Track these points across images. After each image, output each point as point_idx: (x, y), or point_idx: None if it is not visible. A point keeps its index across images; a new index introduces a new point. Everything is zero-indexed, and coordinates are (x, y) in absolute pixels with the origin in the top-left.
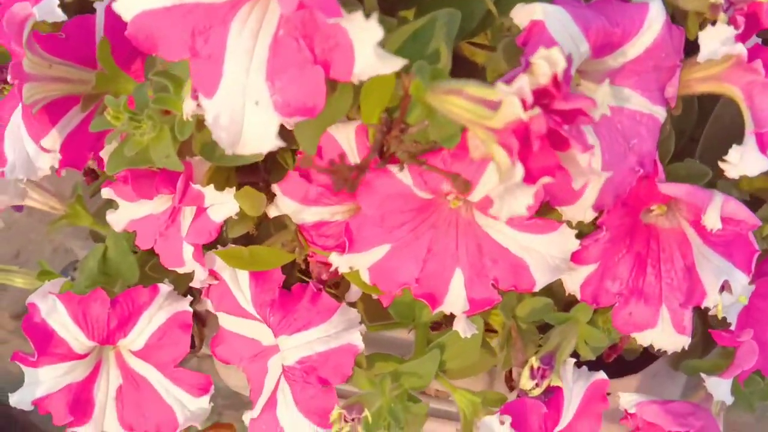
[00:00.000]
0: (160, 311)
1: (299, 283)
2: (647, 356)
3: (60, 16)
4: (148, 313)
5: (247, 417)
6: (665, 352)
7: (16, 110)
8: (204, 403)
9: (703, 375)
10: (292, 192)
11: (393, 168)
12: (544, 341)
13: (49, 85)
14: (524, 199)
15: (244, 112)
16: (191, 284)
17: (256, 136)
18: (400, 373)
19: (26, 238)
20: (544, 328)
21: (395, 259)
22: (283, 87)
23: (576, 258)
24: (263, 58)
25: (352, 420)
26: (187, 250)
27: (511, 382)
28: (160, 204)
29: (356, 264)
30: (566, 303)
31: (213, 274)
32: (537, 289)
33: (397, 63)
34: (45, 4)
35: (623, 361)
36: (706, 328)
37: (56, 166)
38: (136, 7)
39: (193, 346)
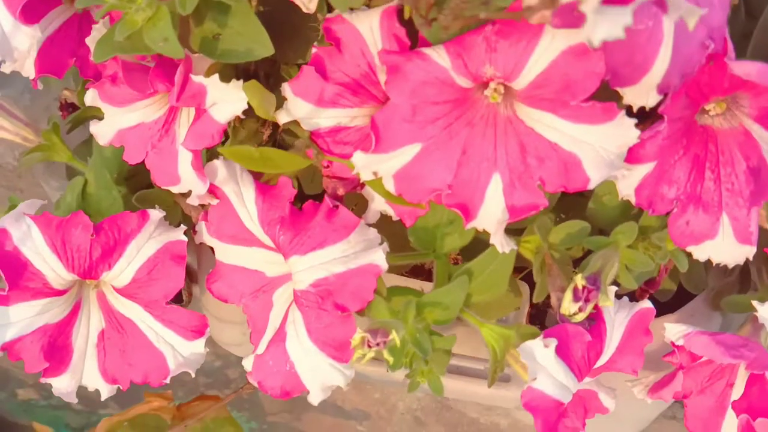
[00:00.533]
0: (150, 241)
1: (311, 201)
2: (680, 297)
3: None
4: (136, 242)
5: (248, 361)
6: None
7: None
8: (199, 346)
9: (755, 303)
10: (305, 92)
11: (428, 50)
12: (581, 269)
13: None
14: (622, 17)
15: None
16: (188, 202)
17: None
18: (424, 304)
19: None
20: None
21: (426, 162)
22: None
23: (631, 157)
24: None
25: (377, 345)
26: (184, 163)
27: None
28: (152, 111)
29: (381, 168)
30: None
31: (213, 191)
32: (591, 186)
33: None
34: None
35: (656, 302)
36: (745, 265)
37: (34, 51)
38: None
39: (180, 300)
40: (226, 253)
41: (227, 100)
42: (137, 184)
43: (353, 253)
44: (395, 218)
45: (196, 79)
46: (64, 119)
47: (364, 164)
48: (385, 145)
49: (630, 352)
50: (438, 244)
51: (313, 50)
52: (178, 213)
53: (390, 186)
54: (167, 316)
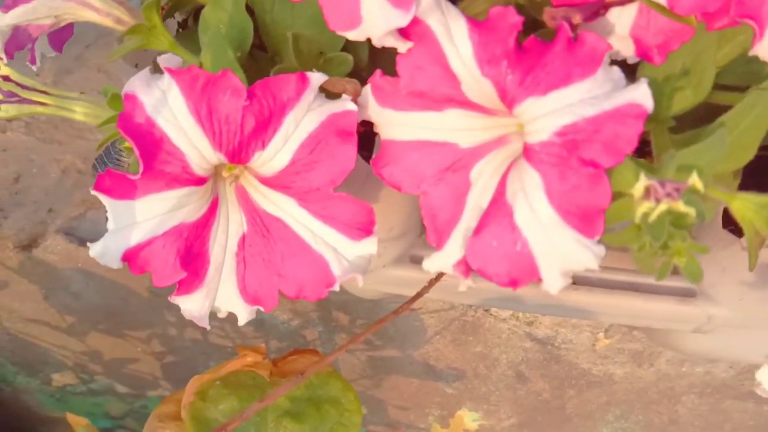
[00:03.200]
0: (310, 113)
1: (533, 37)
2: None
3: None
4: (294, 114)
5: (433, 261)
6: None
7: None
8: (369, 247)
9: None
10: None
11: None
12: None
13: None
14: None
15: None
16: (377, 42)
17: None
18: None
19: (26, 159)
20: None
21: None
22: None
23: None
24: None
25: (667, 195)
26: None
27: None
28: None
29: None
30: None
31: (407, 30)
32: None
33: None
34: None
35: None
36: None
37: None
38: None
39: None
40: (404, 125)
41: None
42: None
43: (603, 93)
44: (633, 60)
45: None
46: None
47: None
48: None
49: None
50: (665, 102)
51: None
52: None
53: None
54: (328, 210)
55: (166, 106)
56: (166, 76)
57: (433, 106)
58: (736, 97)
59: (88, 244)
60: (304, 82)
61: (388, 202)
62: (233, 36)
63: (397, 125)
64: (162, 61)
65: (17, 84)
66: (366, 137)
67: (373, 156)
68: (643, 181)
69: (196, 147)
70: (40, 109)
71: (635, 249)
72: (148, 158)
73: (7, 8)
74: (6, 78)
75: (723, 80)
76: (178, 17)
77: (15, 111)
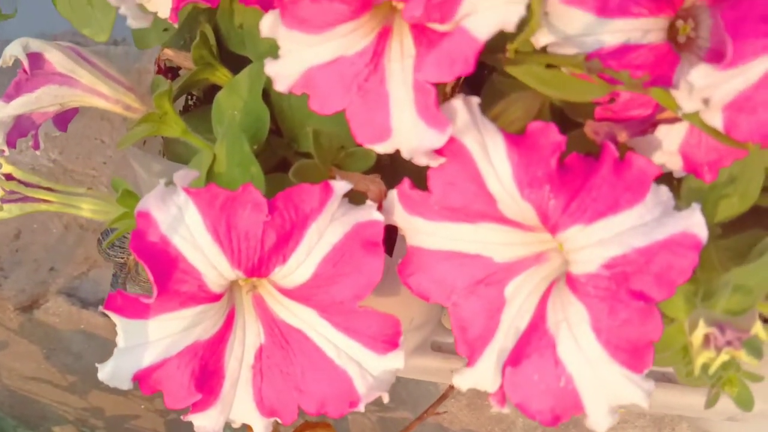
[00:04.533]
0: (334, 223)
1: (576, 154)
2: None
3: None
4: (317, 225)
5: (464, 378)
6: None
7: None
8: (396, 361)
9: None
10: None
11: None
12: None
13: None
14: None
15: None
16: (415, 160)
17: None
18: (717, 287)
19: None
20: None
21: None
22: None
23: None
24: None
25: (727, 344)
26: (400, 108)
27: None
28: (354, 39)
29: (718, 92)
30: None
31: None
32: None
33: None
34: None
35: None
36: None
37: None
38: None
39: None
40: (434, 234)
41: (494, 5)
42: (263, 165)
43: (653, 219)
44: (680, 174)
45: None
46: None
47: (704, 83)
48: (738, 57)
49: None
50: (709, 210)
51: None
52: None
53: (716, 120)
54: (352, 323)
55: (183, 223)
56: (183, 193)
57: (466, 218)
58: None
59: (98, 365)
60: (327, 192)
61: (409, 293)
62: (248, 124)
63: (426, 234)
64: (178, 179)
65: (20, 182)
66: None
67: (397, 259)
68: (702, 329)
69: (213, 265)
70: (43, 206)
71: (682, 372)
72: (162, 279)
73: (9, 97)
74: (9, 176)
75: None
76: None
77: (18, 210)
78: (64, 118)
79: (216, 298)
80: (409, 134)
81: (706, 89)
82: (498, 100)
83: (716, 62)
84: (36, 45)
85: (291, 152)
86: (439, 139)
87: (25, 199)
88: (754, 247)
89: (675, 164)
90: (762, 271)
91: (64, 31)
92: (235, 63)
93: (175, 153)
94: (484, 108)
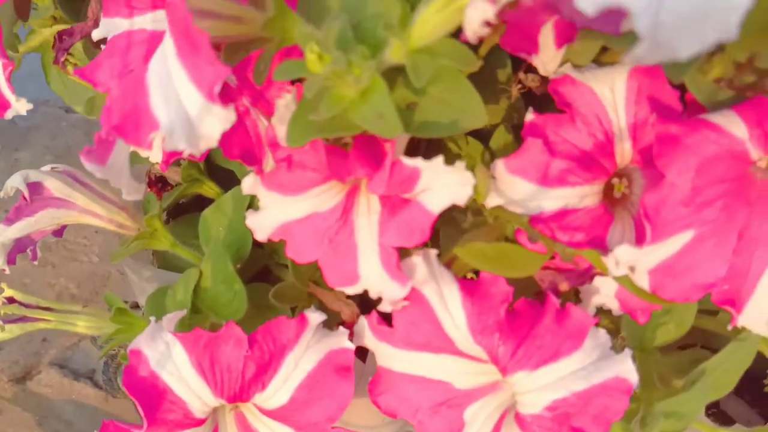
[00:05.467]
0: (309, 351)
1: (524, 299)
2: None
3: None
4: (294, 354)
5: None
6: None
7: (158, 54)
8: None
9: None
10: (525, 169)
11: (718, 118)
12: None
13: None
14: None
15: None
16: (380, 308)
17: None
18: (655, 413)
19: (20, 284)
20: None
21: (697, 252)
22: None
23: None
24: None
25: None
26: (367, 259)
27: None
28: (326, 198)
29: (641, 262)
30: None
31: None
32: None
33: None
34: None
35: None
36: None
37: (227, 126)
38: None
39: None
40: (401, 360)
41: (447, 184)
42: (246, 274)
43: (591, 363)
44: (617, 313)
45: (409, 162)
46: (159, 198)
47: (627, 259)
48: (658, 235)
49: None
50: (648, 335)
51: (529, 117)
52: (314, 307)
53: (643, 282)
54: None
55: (170, 359)
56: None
57: (429, 349)
58: (715, 322)
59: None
60: (303, 324)
61: None
62: (232, 241)
63: (393, 358)
64: (167, 323)
65: (22, 304)
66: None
67: (371, 366)
68: None
69: (198, 396)
70: (42, 325)
71: None
72: (151, 411)
73: (10, 221)
74: (11, 300)
75: (703, 306)
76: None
77: (18, 330)
78: (59, 230)
79: (200, 422)
80: (375, 282)
81: (627, 263)
82: (459, 235)
83: (639, 241)
84: (35, 175)
85: (272, 262)
86: (400, 292)
87: (25, 319)
88: (693, 364)
89: (613, 306)
90: (695, 399)
91: (55, 97)
92: (222, 173)
93: (163, 258)
94: (448, 241)
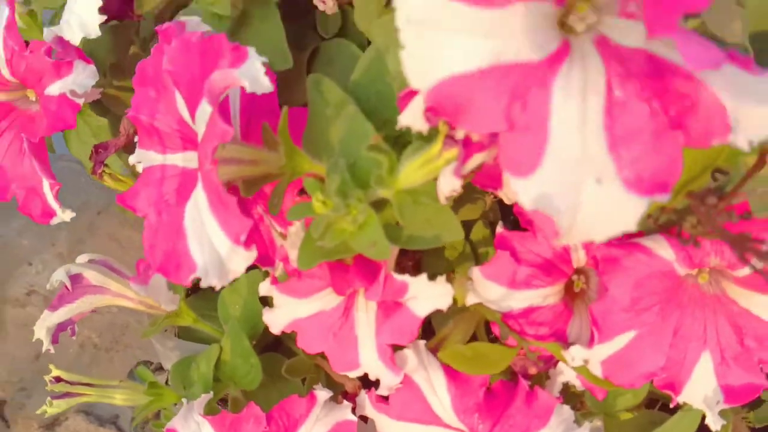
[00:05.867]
0: (318, 424)
1: (501, 381)
2: None
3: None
4: (305, 427)
5: None
6: None
7: (192, 202)
8: None
9: None
10: (497, 275)
11: (649, 243)
12: None
13: (238, 167)
14: None
15: (580, 191)
16: (378, 392)
17: (604, 219)
18: None
19: None
20: None
21: (640, 347)
22: (634, 159)
23: None
24: (599, 124)
25: None
26: (366, 350)
27: None
28: (331, 299)
29: (593, 356)
30: None
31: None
32: None
33: None
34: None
35: None
36: None
37: (248, 262)
38: (440, 72)
39: None
40: (397, 429)
41: (431, 295)
42: (260, 344)
43: None
44: (579, 389)
45: (399, 277)
46: None
47: (581, 356)
48: (604, 336)
49: None
50: (609, 403)
51: (499, 230)
52: (321, 378)
53: (597, 371)
54: None
55: None
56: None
57: (420, 421)
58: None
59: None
60: (312, 401)
61: None
62: (247, 317)
63: (390, 427)
64: (197, 406)
65: (66, 382)
66: None
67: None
68: None
69: None
70: (84, 398)
71: None
72: None
73: (54, 308)
74: (58, 379)
75: None
76: None
77: (65, 405)
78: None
79: None
80: (373, 369)
81: (581, 359)
82: (446, 319)
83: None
84: (76, 268)
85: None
86: (395, 380)
87: (69, 394)
88: (651, 426)
89: (576, 383)
90: None
91: None
92: None
93: (185, 330)
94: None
